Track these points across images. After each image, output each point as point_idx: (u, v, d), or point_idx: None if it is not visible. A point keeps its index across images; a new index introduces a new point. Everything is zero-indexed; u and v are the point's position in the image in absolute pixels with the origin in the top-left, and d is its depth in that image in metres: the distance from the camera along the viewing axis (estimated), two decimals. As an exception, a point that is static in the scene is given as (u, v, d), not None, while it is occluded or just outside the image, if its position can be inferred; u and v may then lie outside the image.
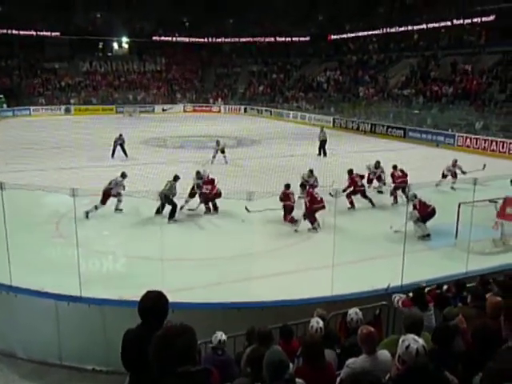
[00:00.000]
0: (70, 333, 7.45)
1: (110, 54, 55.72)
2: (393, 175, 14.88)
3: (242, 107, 48.62)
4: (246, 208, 12.37)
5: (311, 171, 14.70)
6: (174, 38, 55.10)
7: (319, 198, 12.35)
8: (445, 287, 6.84)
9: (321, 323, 5.37)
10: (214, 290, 8.50)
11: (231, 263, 9.83)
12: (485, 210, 12.83)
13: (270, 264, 9.85)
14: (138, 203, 12.69)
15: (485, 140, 25.69)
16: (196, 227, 12.67)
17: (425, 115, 31.59)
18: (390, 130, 31.88)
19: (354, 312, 5.52)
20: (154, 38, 53.91)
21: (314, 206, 12.22)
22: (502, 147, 24.64)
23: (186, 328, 2.38)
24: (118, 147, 22.28)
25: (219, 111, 48.33)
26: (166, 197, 12.69)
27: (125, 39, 55.31)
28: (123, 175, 13.71)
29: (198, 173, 14.34)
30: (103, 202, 13.03)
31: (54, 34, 49.55)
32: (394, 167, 15.05)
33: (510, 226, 11.39)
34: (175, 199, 12.90)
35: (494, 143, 25.16)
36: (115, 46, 56.05)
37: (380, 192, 15.49)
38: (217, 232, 12.35)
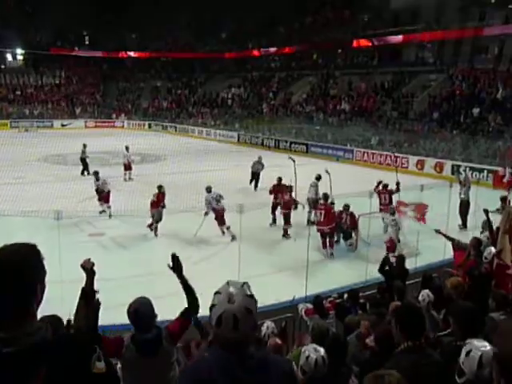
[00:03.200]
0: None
1: (2, 66, 52.58)
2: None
3: (147, 123, 47.91)
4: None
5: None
6: (74, 51, 53.24)
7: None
8: (345, 296, 7.17)
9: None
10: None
11: (129, 284, 9.62)
12: (379, 221, 13.63)
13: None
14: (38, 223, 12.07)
15: (380, 155, 27.33)
16: (100, 247, 12.25)
17: (325, 131, 33.02)
18: (292, 145, 32.92)
19: (269, 324, 5.65)
20: (52, 50, 51.67)
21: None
22: (395, 161, 26.26)
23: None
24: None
25: (122, 127, 47.22)
26: None
27: (20, 51, 52.48)
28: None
29: (96, 173, 15.38)
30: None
31: None
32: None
33: (403, 235, 12.16)
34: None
35: (388, 157, 26.81)
36: (9, 57, 53.01)
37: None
38: (117, 250, 12.02)
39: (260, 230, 13.42)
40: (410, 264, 8.72)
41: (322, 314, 6.22)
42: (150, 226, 13.39)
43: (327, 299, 6.96)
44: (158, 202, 13.45)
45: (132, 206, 14.10)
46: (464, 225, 14.30)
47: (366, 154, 28.08)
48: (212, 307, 1.91)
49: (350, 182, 13.47)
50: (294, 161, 13.52)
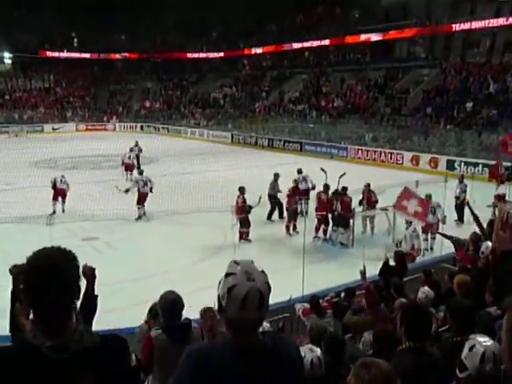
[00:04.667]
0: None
1: (-10, 70, 52.29)
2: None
3: (139, 125, 47.80)
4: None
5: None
6: (63, 54, 53.06)
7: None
8: (342, 295, 7.17)
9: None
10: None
11: (129, 287, 9.60)
12: (377, 218, 13.68)
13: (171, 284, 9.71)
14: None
15: (374, 151, 27.41)
16: (94, 252, 12.20)
17: (319, 129, 33.08)
18: (286, 144, 32.94)
19: (264, 325, 5.63)
20: (41, 53, 51.44)
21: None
22: (390, 158, 26.41)
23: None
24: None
25: (114, 129, 47.07)
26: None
27: (7, 54, 52.19)
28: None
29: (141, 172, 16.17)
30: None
31: None
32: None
33: (400, 234, 12.18)
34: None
35: (382, 154, 26.89)
36: (-4, 61, 52.72)
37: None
38: (112, 255, 11.98)
39: (255, 230, 13.41)
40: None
41: (319, 313, 6.23)
42: (241, 235, 12.97)
43: (324, 298, 6.95)
44: (243, 208, 13.06)
45: (128, 208, 14.11)
46: (460, 219, 14.37)
47: (360, 151, 28.13)
48: (231, 289, 1.78)
49: (344, 180, 13.47)
50: (325, 172, 13.56)
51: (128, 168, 21.53)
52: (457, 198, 14.51)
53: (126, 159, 21.89)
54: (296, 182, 14.89)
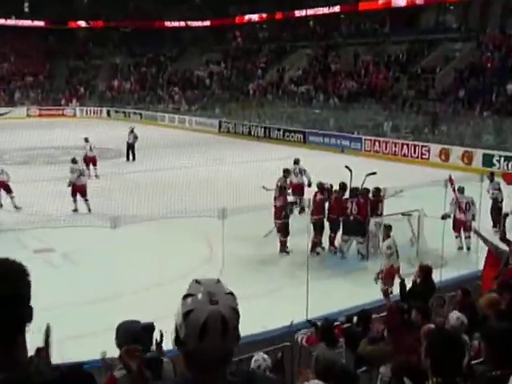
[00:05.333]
0: None
1: None
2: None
3: (104, 110, 47.74)
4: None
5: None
6: (10, 21, 52.79)
7: None
8: (355, 319, 7.19)
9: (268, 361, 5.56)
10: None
11: (92, 310, 9.57)
12: (398, 224, 13.69)
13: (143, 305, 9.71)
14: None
15: (395, 143, 27.47)
16: (49, 267, 12.15)
17: (327, 116, 33.16)
18: (287, 134, 33.01)
19: (261, 358, 5.64)
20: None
21: None
22: (414, 151, 26.48)
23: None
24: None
25: (74, 115, 47.03)
26: None
27: None
28: None
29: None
30: None
31: None
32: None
33: (425, 244, 12.23)
34: None
35: (405, 147, 26.95)
36: None
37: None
38: (73, 270, 11.94)
39: (247, 240, 13.40)
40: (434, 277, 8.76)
41: (330, 341, 6.18)
42: (282, 245, 13.02)
43: (333, 324, 6.96)
44: (282, 208, 13.10)
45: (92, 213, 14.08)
46: (496, 226, 14.46)
47: (377, 144, 28.21)
48: (188, 314, 1.74)
49: (358, 178, 13.50)
50: (350, 170, 13.65)
51: (90, 162, 21.73)
52: (495, 199, 14.59)
53: (88, 152, 21.95)
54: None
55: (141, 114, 44.70)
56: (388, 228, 10.66)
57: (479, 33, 32.40)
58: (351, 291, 10.43)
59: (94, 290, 10.45)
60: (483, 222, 12.92)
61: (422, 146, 26.26)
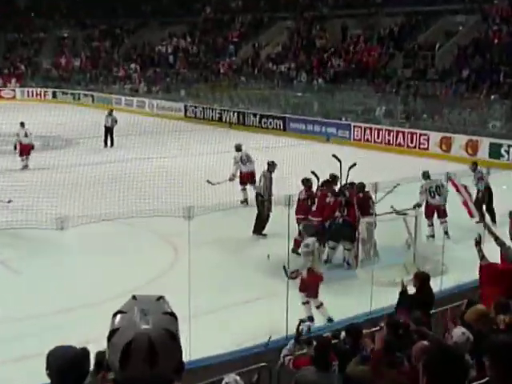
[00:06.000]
0: None
1: None
2: None
3: (50, 91, 47.37)
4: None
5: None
6: None
7: None
8: (342, 335, 7.21)
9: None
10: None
11: (35, 327, 9.50)
12: (391, 224, 13.78)
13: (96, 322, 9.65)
14: None
15: (389, 131, 27.61)
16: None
17: (310, 99, 33.20)
18: (264, 120, 33.02)
19: (233, 381, 5.62)
20: None
21: None
22: (411, 141, 26.63)
23: None
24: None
25: (13, 97, 46.64)
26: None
27: None
28: None
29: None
30: None
31: None
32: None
33: (423, 246, 12.32)
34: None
35: (400, 135, 27.10)
36: None
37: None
38: (12, 282, 11.84)
39: (217, 244, 13.37)
40: (433, 286, 8.84)
41: (324, 365, 6.06)
42: (297, 244, 13.00)
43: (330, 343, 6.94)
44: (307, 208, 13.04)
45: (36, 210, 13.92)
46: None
47: (368, 131, 28.32)
48: (112, 335, 1.69)
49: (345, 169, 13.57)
50: (339, 160, 13.79)
51: (24, 151, 22.01)
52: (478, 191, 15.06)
53: (22, 138, 22.10)
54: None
55: (92, 97, 44.40)
56: (308, 228, 10.80)
57: (484, 4, 32.64)
58: (338, 302, 10.46)
59: (39, 304, 10.35)
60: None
61: (420, 135, 26.40)
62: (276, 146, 23.50)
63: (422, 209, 13.72)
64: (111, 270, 11.98)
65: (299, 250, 12.71)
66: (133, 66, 46.42)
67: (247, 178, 16.33)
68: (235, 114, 34.78)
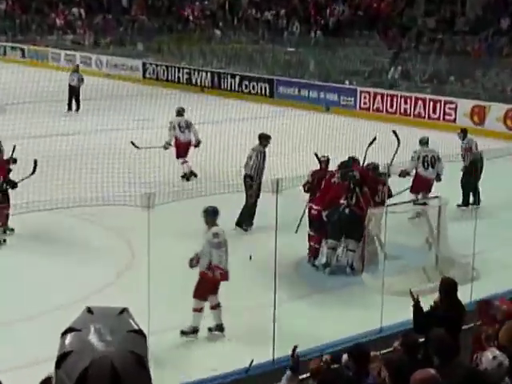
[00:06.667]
0: None
1: None
2: None
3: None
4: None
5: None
6: None
7: None
8: (344, 358, 7.29)
9: None
10: None
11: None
12: (407, 217, 13.92)
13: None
14: None
15: (405, 98, 27.68)
16: None
17: (305, 56, 33.18)
18: (245, 83, 32.95)
19: None
20: None
21: None
22: (433, 110, 26.73)
23: None
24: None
25: None
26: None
27: None
28: None
29: None
30: None
31: None
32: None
33: (448, 247, 12.42)
34: None
35: (420, 103, 27.18)
36: None
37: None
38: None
39: (185, 237, 13.35)
40: (461, 296, 8.89)
41: None
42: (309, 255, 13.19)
43: (311, 362, 7.04)
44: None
45: None
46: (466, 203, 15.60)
47: (379, 98, 28.38)
48: (63, 359, 1.67)
49: (351, 147, 13.66)
50: (397, 136, 14.48)
51: None
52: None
53: None
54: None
55: (23, 50, 44.09)
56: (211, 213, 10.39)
57: None
58: (339, 316, 10.57)
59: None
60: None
61: (446, 103, 26.50)
62: (260, 116, 23.44)
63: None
64: (52, 273, 12.02)
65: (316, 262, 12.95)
66: (75, 10, 46.11)
67: (182, 148, 17.22)
68: (208, 74, 34.63)
